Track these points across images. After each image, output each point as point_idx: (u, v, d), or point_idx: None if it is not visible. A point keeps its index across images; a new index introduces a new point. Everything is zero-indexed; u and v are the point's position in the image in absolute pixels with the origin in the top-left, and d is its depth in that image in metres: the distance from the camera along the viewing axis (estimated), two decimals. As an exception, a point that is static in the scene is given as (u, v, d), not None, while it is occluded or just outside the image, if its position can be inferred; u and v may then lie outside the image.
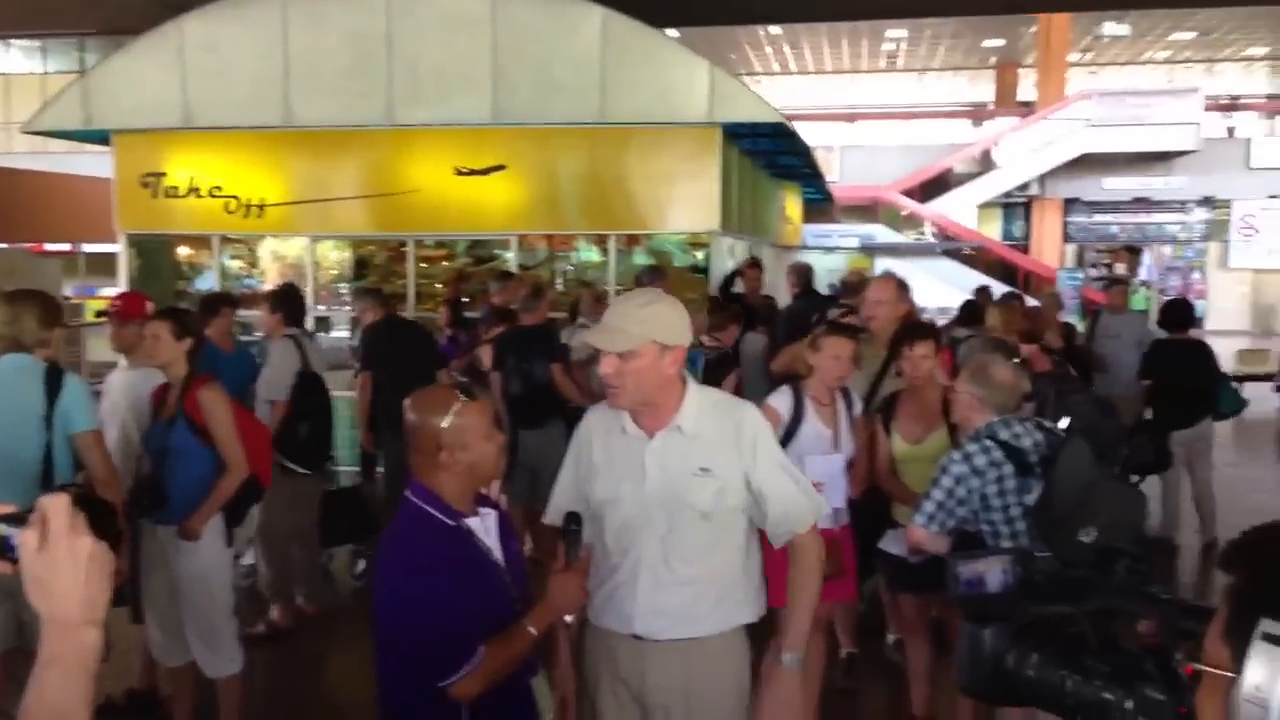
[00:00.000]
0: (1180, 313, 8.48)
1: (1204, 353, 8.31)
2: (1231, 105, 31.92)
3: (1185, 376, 8.11)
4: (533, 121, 9.97)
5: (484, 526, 2.78)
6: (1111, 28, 24.10)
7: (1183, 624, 1.20)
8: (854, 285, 9.09)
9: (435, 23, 9.91)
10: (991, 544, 4.09)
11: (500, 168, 10.15)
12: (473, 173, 10.11)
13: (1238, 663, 1.02)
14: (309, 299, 10.61)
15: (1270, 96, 33.83)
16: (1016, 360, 6.42)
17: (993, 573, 1.40)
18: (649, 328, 2.83)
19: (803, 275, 10.26)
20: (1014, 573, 1.40)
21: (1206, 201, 29.04)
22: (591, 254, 11.52)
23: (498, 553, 2.78)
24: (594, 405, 3.18)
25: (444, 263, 11.42)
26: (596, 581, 3.01)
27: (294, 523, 6.63)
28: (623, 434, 2.96)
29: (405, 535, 2.69)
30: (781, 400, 4.73)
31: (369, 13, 9.92)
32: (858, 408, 4.95)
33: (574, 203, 10.38)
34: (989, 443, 4.06)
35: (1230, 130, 30.73)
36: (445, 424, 2.66)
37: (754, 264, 10.20)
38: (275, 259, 11.36)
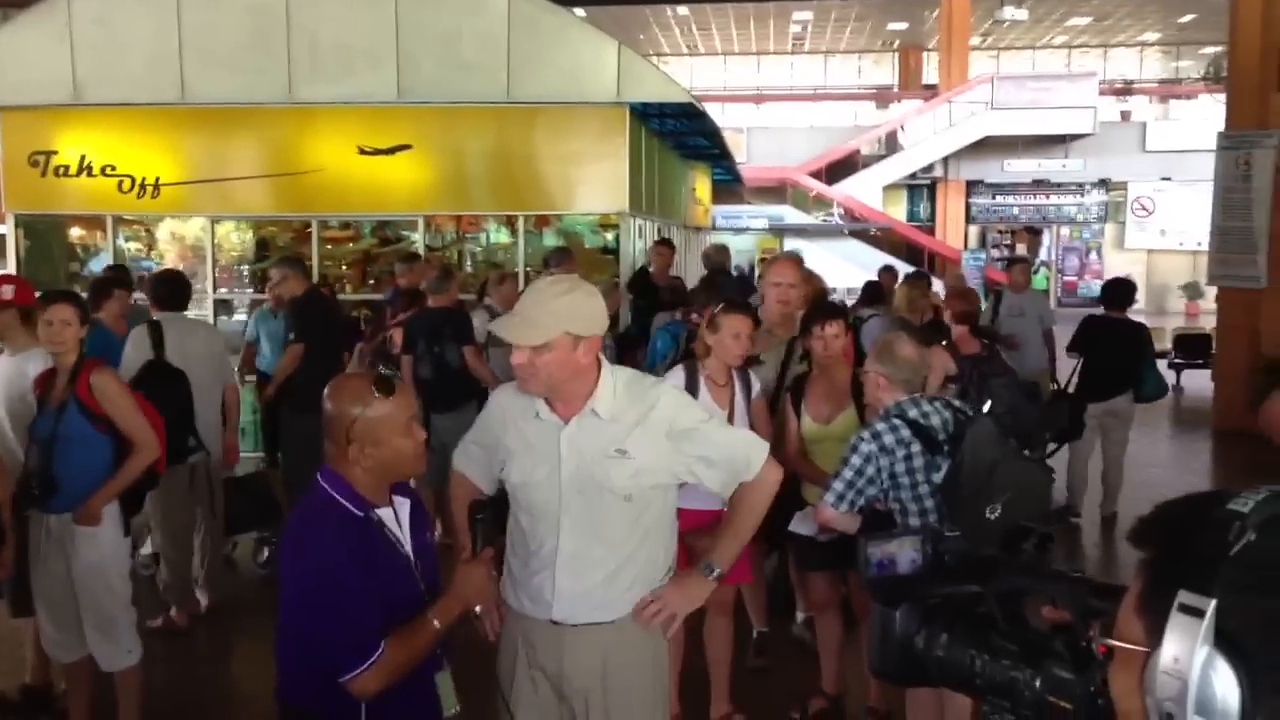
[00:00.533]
0: (1121, 291, 8.54)
1: (1139, 334, 8.42)
2: (1126, 89, 32.80)
3: (1116, 355, 8.23)
4: (439, 100, 9.82)
5: (396, 517, 2.72)
6: (1011, 12, 24.59)
7: (1091, 602, 1.19)
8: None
9: (336, -1, 9.68)
10: (900, 522, 4.12)
11: (406, 147, 9.97)
12: (377, 152, 9.92)
13: (1152, 637, 1.01)
14: (208, 281, 10.36)
15: (1162, 81, 34.83)
16: (945, 342, 6.53)
17: (904, 554, 1.39)
18: (563, 319, 2.77)
19: (718, 259, 10.25)
20: (924, 553, 1.38)
21: (1103, 183, 29.86)
22: (501, 235, 11.41)
23: (408, 544, 2.72)
24: (505, 385, 3.11)
25: (349, 244, 11.20)
26: (515, 565, 2.97)
27: (169, 517, 6.38)
28: (537, 418, 2.91)
29: (310, 524, 2.60)
30: (675, 379, 4.69)
31: (266, -14, 9.64)
32: (756, 388, 4.92)
33: (482, 183, 10.25)
34: (897, 421, 4.09)
35: (1125, 114, 31.60)
36: (357, 418, 2.59)
37: (664, 243, 10.18)
38: (174, 240, 11.02)
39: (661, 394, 2.99)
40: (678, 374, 4.77)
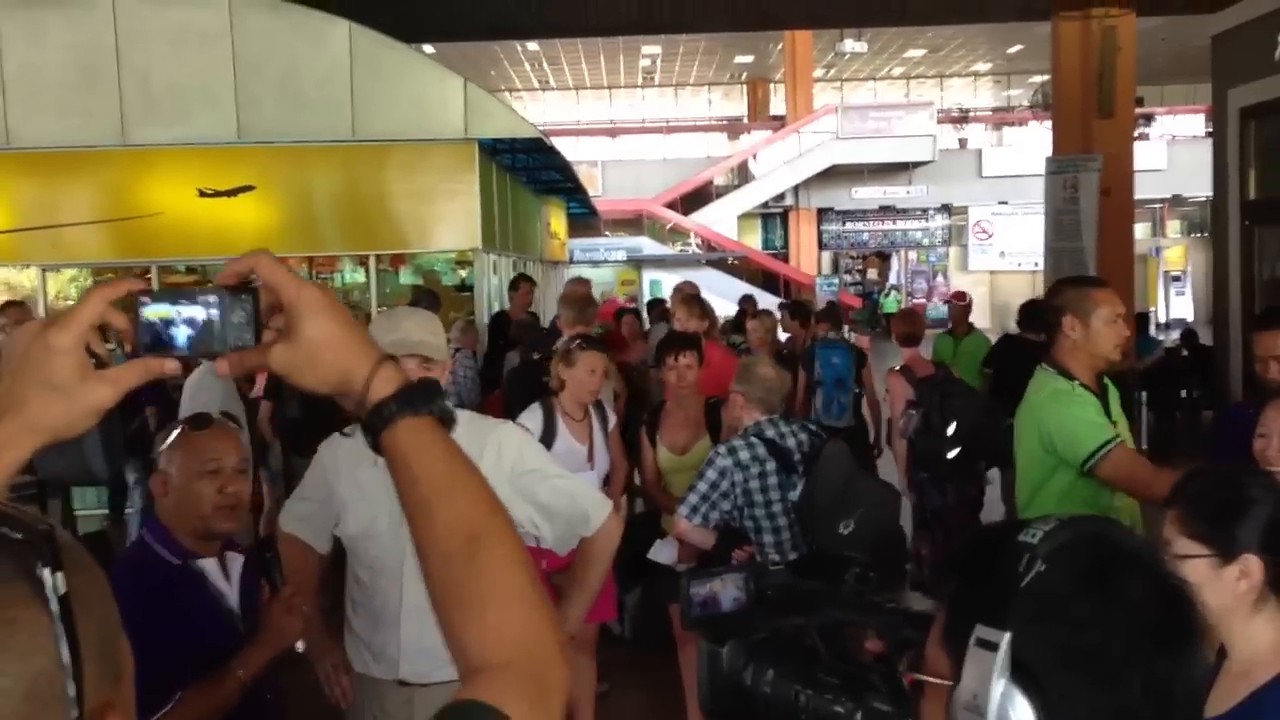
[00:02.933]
0: (1038, 314, 8.69)
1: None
2: (962, 118, 34.16)
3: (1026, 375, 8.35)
4: (281, 139, 9.59)
5: (222, 569, 2.60)
6: (851, 45, 25.32)
7: (906, 633, 1.20)
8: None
9: (168, 36, 9.37)
10: (754, 539, 4.18)
11: (249, 188, 9.70)
12: (219, 194, 9.63)
13: (956, 670, 1.01)
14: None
15: (995, 109, 36.40)
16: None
17: (726, 591, 1.38)
18: (443, 341, 2.77)
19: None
20: (747, 589, 1.38)
21: (945, 209, 30.98)
22: (357, 275, 11.20)
23: (233, 598, 2.60)
24: (335, 434, 3.02)
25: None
26: (357, 624, 2.86)
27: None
28: (374, 465, 2.80)
29: (120, 571, 2.49)
30: (531, 418, 4.66)
31: (93, 25, 9.27)
32: (612, 421, 4.94)
33: (332, 223, 10.06)
34: (754, 439, 4.17)
35: (962, 142, 32.89)
36: (160, 452, 2.48)
37: (524, 280, 10.10)
38: (6, 289, 10.48)
39: (505, 435, 2.94)
40: (534, 412, 4.73)
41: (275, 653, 2.54)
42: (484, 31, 14.98)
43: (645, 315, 11.36)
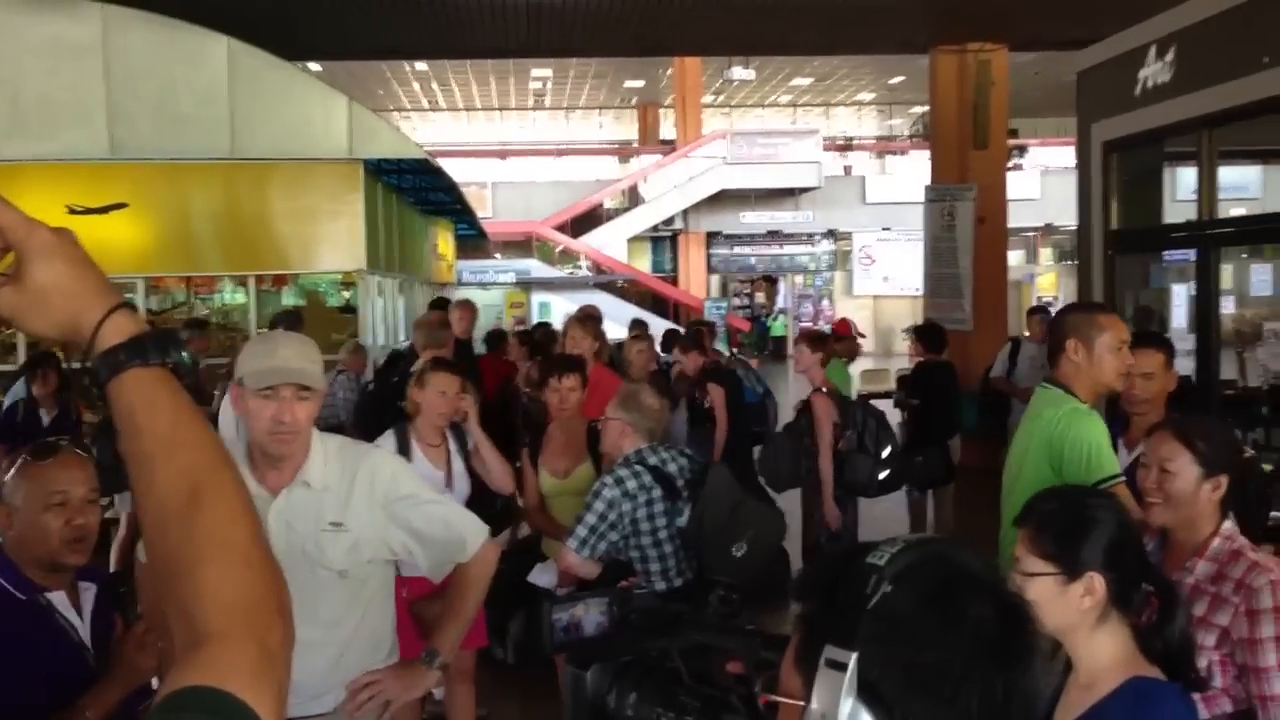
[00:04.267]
0: (937, 335, 8.65)
1: (953, 373, 8.52)
2: (847, 146, 34.92)
3: (946, 396, 8.34)
4: (157, 156, 9.34)
5: (73, 602, 2.51)
6: (739, 72, 25.70)
7: (764, 654, 1.21)
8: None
9: (38, 49, 9.08)
10: (640, 568, 4.17)
11: (121, 205, 9.41)
12: (89, 211, 9.30)
13: (808, 690, 1.03)
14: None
15: (878, 138, 37.31)
16: (824, 389, 6.55)
17: (589, 616, 1.38)
18: (322, 370, 2.70)
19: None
20: (611, 614, 1.38)
21: (830, 234, 31.58)
22: (238, 296, 10.96)
23: (84, 632, 2.51)
24: None
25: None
26: None
27: None
28: None
29: None
30: (385, 443, 4.57)
31: (-42, 37, 8.95)
32: (471, 443, 4.85)
33: (211, 242, 9.82)
34: (639, 468, 4.15)
35: (847, 169, 33.61)
36: (4, 481, 2.38)
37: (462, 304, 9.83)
38: None
39: (378, 461, 2.89)
40: (388, 438, 4.64)
41: (127, 691, 2.44)
42: (370, 51, 14.86)
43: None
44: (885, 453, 6.11)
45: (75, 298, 1.11)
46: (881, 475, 6.17)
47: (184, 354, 1.13)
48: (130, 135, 9.24)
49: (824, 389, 6.39)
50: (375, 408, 6.34)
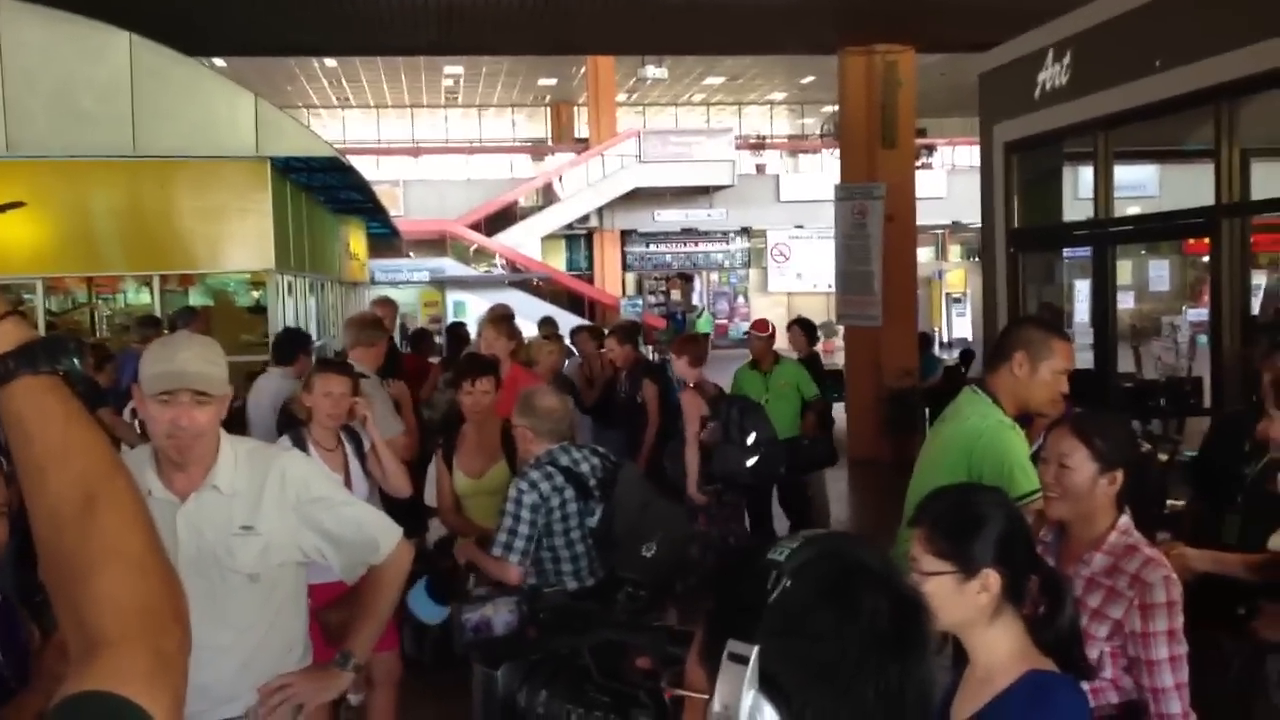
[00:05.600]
0: (811, 329, 9.23)
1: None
2: (760, 144, 35.26)
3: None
4: (56, 154, 9.08)
5: None
6: (652, 70, 25.84)
7: (671, 650, 1.24)
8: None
9: (-72, 43, 8.77)
10: (551, 568, 4.17)
11: (19, 204, 9.02)
12: (-16, 210, 9.02)
13: (712, 684, 1.05)
14: None
15: (791, 137, 37.73)
16: (692, 385, 6.70)
17: (499, 616, 1.40)
18: (225, 373, 2.64)
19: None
20: (520, 613, 1.40)
21: (745, 231, 31.89)
22: (142, 296, 10.70)
23: None
24: None
25: (-43, 311, 10.08)
26: None
27: None
28: (149, 496, 2.68)
29: None
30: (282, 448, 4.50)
31: None
32: (367, 445, 4.76)
33: (113, 241, 9.58)
34: (550, 469, 4.15)
35: (760, 167, 33.95)
36: None
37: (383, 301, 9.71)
38: None
39: (289, 463, 2.86)
40: (283, 444, 4.57)
41: (48, 701, 2.39)
42: (278, 47, 14.62)
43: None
44: (750, 440, 6.26)
45: None
46: (750, 462, 6.31)
47: (75, 361, 1.11)
48: (27, 132, 8.97)
49: (692, 385, 6.67)
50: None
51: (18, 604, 2.62)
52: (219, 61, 16.86)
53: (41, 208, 9.27)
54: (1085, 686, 2.34)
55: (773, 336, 8.34)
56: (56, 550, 1.06)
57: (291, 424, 4.72)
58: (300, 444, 4.50)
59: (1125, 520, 2.76)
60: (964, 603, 2.15)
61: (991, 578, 2.14)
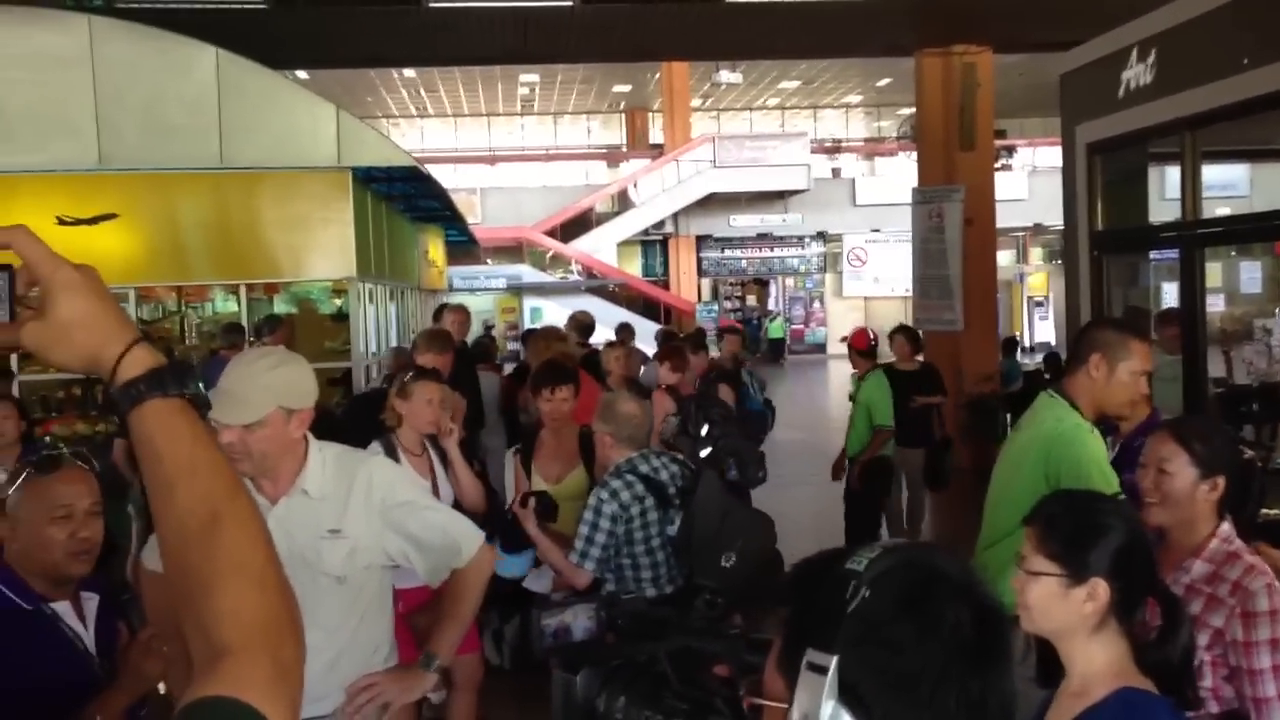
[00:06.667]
0: (915, 337, 9.01)
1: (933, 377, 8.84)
2: (835, 148, 35.02)
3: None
4: (146, 167, 9.35)
5: (77, 611, 2.54)
6: (726, 75, 25.86)
7: (749, 658, 1.24)
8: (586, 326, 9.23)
9: (24, 61, 9.06)
10: (630, 575, 4.19)
11: (111, 216, 9.42)
12: (79, 222, 9.31)
13: (791, 693, 1.06)
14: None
15: (867, 140, 37.42)
16: (663, 387, 6.80)
17: (578, 621, 1.41)
18: (275, 394, 2.68)
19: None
20: (599, 619, 1.41)
21: (820, 236, 31.67)
22: (229, 305, 10.96)
23: (89, 640, 2.55)
24: None
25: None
26: None
27: None
28: None
29: None
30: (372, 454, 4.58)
31: (-55, 49, 8.95)
32: (453, 452, 4.83)
33: (201, 251, 9.82)
34: (631, 477, 4.17)
35: (836, 171, 33.70)
36: (11, 495, 2.41)
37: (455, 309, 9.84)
38: None
39: (375, 468, 2.93)
40: (375, 450, 4.65)
41: (134, 698, 2.48)
42: (358, 59, 14.88)
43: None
44: (704, 431, 6.30)
45: (97, 332, 1.18)
46: (703, 452, 6.33)
47: (200, 385, 1.19)
48: (119, 146, 9.25)
49: (664, 387, 6.90)
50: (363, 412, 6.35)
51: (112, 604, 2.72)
52: (302, 74, 17.21)
53: (132, 219, 9.54)
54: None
55: (855, 347, 8.31)
56: (183, 563, 1.12)
57: (380, 430, 4.80)
58: (390, 449, 4.59)
59: (1227, 528, 2.70)
60: (1067, 609, 2.10)
61: (1100, 588, 2.08)
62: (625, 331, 11.18)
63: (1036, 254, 34.62)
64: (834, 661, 1.01)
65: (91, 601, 2.59)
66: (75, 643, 2.51)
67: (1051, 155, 28.57)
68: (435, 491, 4.65)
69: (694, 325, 22.94)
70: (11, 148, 9.12)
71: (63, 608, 2.52)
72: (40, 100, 9.14)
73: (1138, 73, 7.25)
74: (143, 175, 9.42)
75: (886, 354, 8.84)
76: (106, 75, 9.15)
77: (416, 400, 4.62)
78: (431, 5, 9.83)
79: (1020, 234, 32.29)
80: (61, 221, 9.33)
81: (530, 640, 5.28)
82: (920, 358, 9.06)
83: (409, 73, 26.39)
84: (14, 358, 9.69)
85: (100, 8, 9.39)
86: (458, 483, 4.77)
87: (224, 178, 9.53)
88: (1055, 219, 22.91)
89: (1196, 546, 2.68)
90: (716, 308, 30.41)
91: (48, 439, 9.74)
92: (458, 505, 4.80)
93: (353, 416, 6.27)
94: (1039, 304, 30.98)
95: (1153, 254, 8.70)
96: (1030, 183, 29.38)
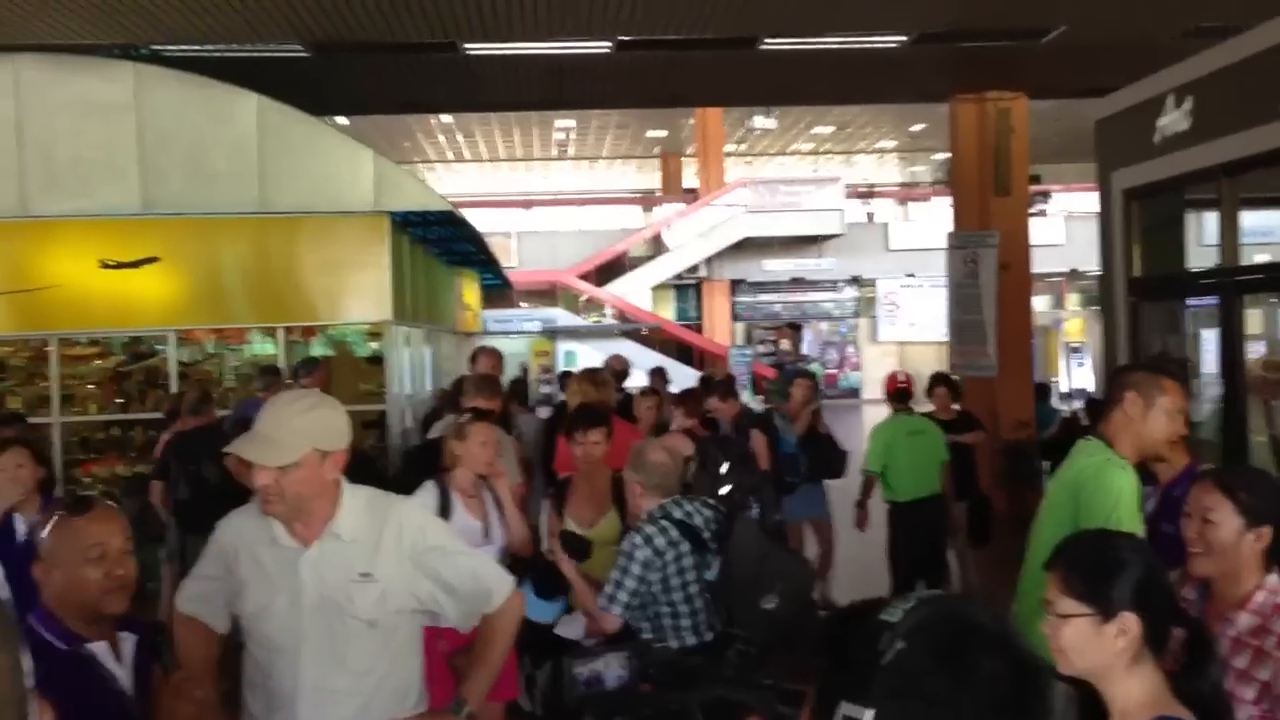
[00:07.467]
0: (954, 387, 9.04)
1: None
2: (869, 193, 35.01)
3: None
4: (187, 211, 9.51)
5: (114, 652, 2.56)
6: (760, 121, 25.94)
7: (781, 709, 1.23)
8: (619, 373, 9.29)
9: (71, 108, 9.30)
10: (669, 623, 4.15)
11: (153, 259, 9.57)
12: (121, 265, 9.48)
13: (825, 745, 1.05)
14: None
15: (901, 185, 37.40)
16: (681, 429, 6.81)
17: (610, 670, 1.40)
18: (309, 436, 2.70)
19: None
20: (631, 667, 1.40)
21: (854, 280, 31.60)
22: (267, 347, 11.08)
23: (126, 680, 2.56)
24: (235, 511, 2.98)
25: (95, 362, 10.60)
26: (253, 704, 2.81)
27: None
28: (273, 544, 2.78)
29: None
30: (426, 496, 4.62)
31: (-5, 96, 9.18)
32: (503, 494, 4.87)
33: (239, 294, 9.96)
34: (665, 523, 4.16)
35: (870, 216, 33.68)
36: (42, 539, 2.44)
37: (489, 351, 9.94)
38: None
39: (406, 512, 2.93)
40: (429, 490, 4.68)
41: None
42: (397, 105, 15.08)
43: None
44: (723, 469, 6.31)
45: None
46: (723, 490, 6.30)
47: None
48: (162, 191, 9.42)
49: (681, 429, 6.88)
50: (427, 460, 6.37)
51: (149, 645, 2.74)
52: (341, 120, 17.46)
53: (174, 263, 9.69)
54: None
55: (889, 389, 8.26)
56: None
57: (436, 470, 4.83)
58: (443, 490, 4.62)
59: (1274, 579, 2.65)
60: (1102, 646, 2.09)
61: (1130, 621, 2.08)
62: (658, 377, 11.18)
63: (1073, 299, 34.37)
64: (870, 716, 1.01)
65: (129, 641, 2.62)
66: (112, 682, 2.53)
67: (1088, 201, 28.50)
68: (487, 532, 4.67)
69: (726, 370, 22.93)
70: (59, 193, 9.32)
71: (100, 648, 2.54)
72: (86, 146, 9.34)
73: (1174, 119, 7.23)
74: (185, 220, 9.58)
75: (924, 401, 8.75)
76: (151, 121, 9.34)
77: (472, 442, 4.66)
78: (469, 52, 9.97)
79: (1057, 279, 32.08)
80: (105, 265, 9.49)
81: (562, 687, 5.27)
82: (957, 406, 9.00)
83: (445, 118, 26.70)
84: (56, 396, 9.82)
85: (146, 56, 9.58)
86: (507, 525, 4.79)
87: (264, 222, 9.68)
88: (1092, 264, 22.83)
89: (1242, 599, 2.64)
90: (750, 352, 30.33)
91: (88, 480, 9.88)
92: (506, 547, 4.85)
93: (413, 464, 6.28)
94: (1075, 350, 30.71)
95: (1190, 300, 8.63)
96: (1067, 228, 29.23)
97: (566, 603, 4.39)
